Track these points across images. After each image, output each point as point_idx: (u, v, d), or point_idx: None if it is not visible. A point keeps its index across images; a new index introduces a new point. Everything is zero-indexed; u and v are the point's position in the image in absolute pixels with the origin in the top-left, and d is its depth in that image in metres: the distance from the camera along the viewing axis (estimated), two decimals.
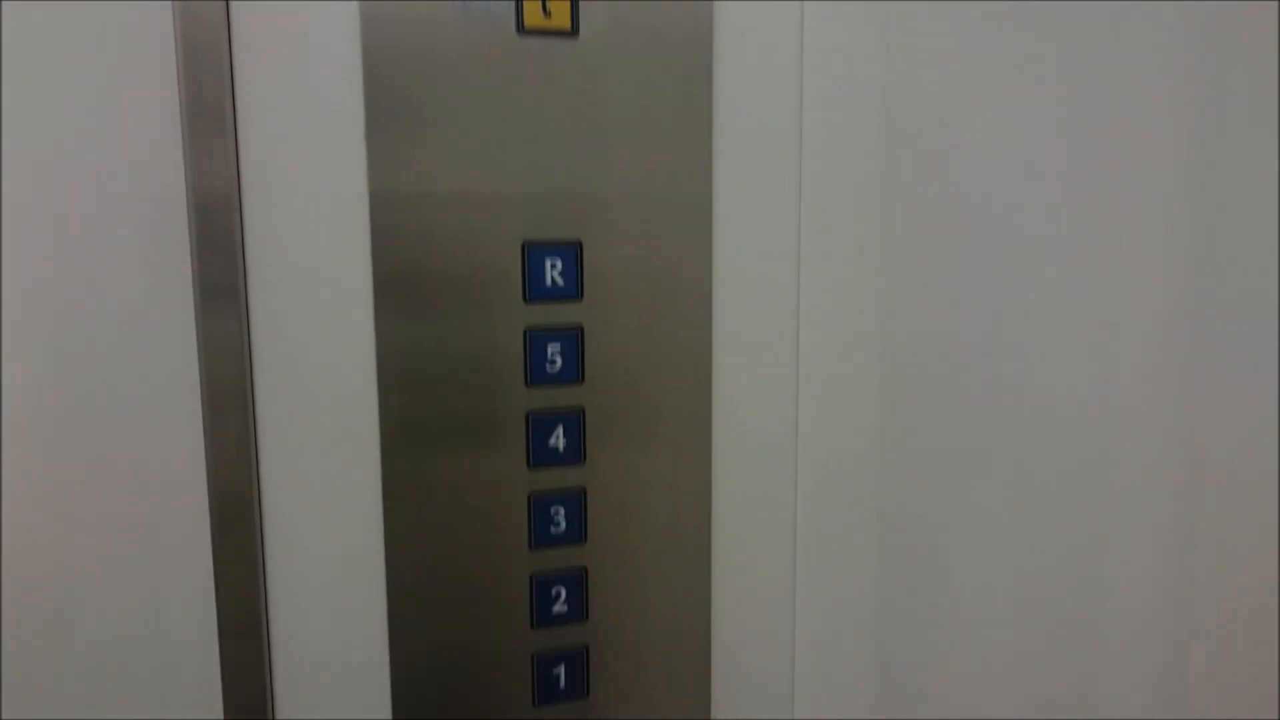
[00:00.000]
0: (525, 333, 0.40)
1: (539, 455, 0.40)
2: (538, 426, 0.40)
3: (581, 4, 0.39)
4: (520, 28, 0.38)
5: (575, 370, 0.40)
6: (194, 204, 0.36)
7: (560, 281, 0.40)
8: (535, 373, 0.40)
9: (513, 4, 0.38)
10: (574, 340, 0.40)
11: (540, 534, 0.41)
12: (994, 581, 0.50)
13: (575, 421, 0.41)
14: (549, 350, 0.40)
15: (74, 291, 0.36)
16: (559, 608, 0.42)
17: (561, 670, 0.42)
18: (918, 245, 0.45)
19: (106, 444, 0.37)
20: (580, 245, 0.40)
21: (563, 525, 0.41)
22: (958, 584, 0.49)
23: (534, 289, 0.39)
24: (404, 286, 0.38)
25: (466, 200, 0.39)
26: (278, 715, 0.40)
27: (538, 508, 0.41)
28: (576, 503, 0.41)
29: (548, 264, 0.39)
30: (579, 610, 0.42)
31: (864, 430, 0.46)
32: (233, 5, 0.36)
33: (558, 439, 0.41)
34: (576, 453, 0.41)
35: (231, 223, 0.36)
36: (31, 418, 0.36)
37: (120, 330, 0.37)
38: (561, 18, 0.38)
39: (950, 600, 0.49)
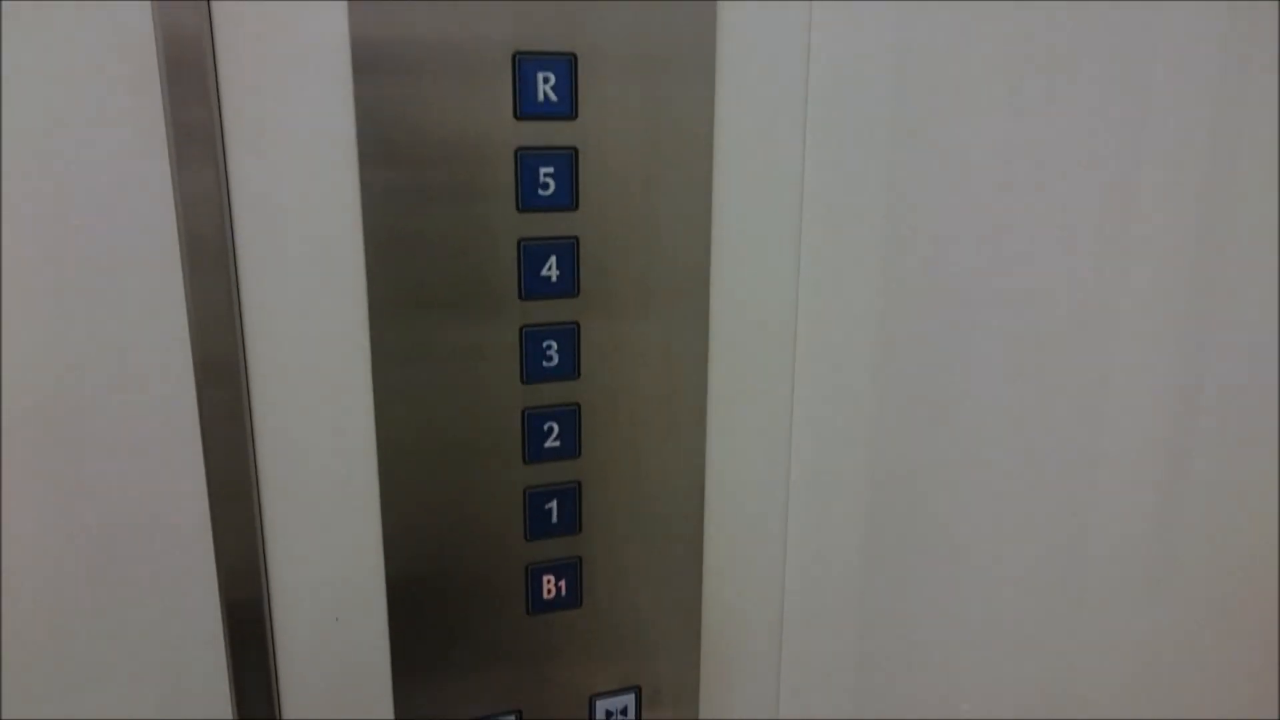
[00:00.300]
0: (516, 153, 0.37)
1: (531, 287, 0.39)
2: (530, 256, 0.38)
3: None
4: None
5: (569, 197, 0.38)
6: (163, 44, 0.33)
7: (553, 97, 0.37)
8: (527, 197, 0.37)
9: None
10: (568, 162, 0.37)
11: (533, 370, 0.39)
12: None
13: (569, 251, 0.39)
14: (540, 173, 0.37)
15: (42, 146, 0.33)
16: (551, 443, 0.41)
17: (554, 505, 0.41)
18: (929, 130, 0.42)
19: (86, 309, 0.35)
20: (575, 57, 0.37)
21: (555, 360, 0.40)
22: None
23: (525, 105, 0.36)
24: (389, 120, 0.35)
25: (454, 15, 0.35)
26: (271, 580, 0.39)
27: (530, 342, 0.39)
28: (569, 337, 0.40)
29: (539, 78, 0.36)
30: (572, 447, 0.41)
31: (868, 280, 0.44)
32: None
33: (550, 270, 0.39)
34: (569, 285, 0.39)
35: (205, 65, 0.33)
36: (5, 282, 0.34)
37: (93, 183, 0.34)
38: None
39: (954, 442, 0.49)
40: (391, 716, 0.41)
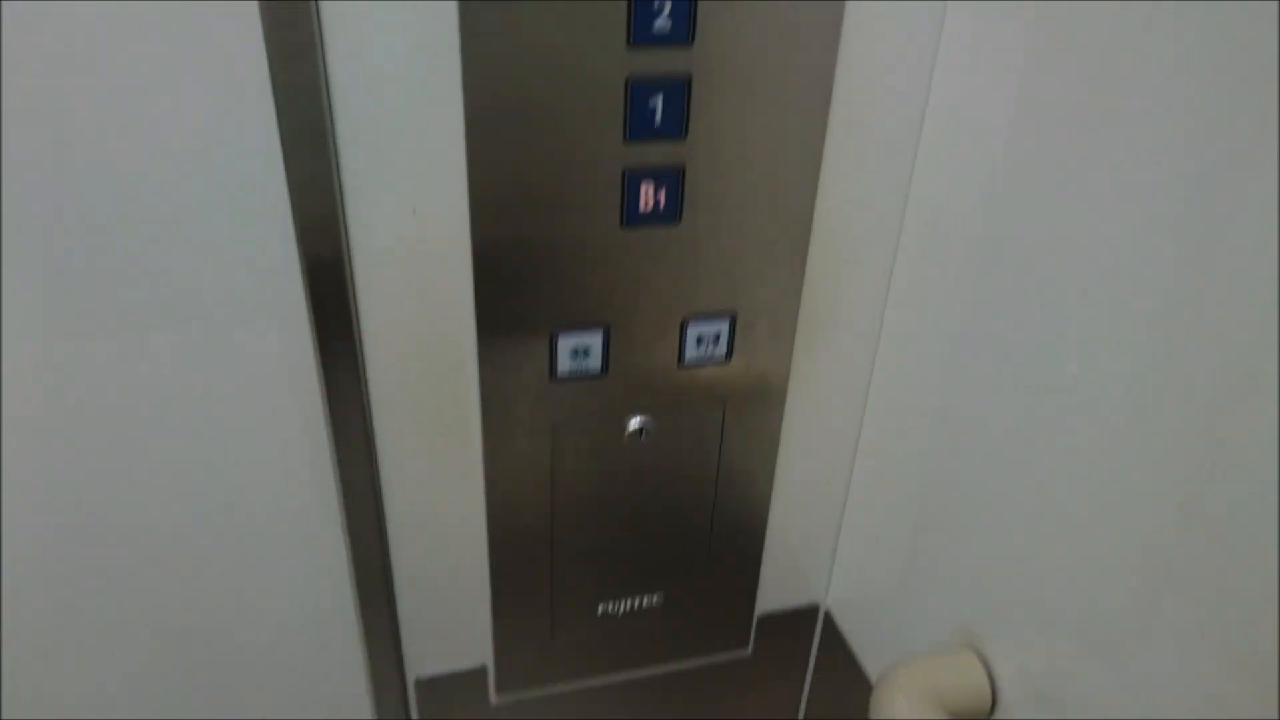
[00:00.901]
0: None
1: None
2: None
3: None
4: None
5: None
6: None
7: None
8: None
9: None
10: None
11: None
12: None
13: None
14: None
15: None
16: (661, 23, 0.35)
17: (659, 101, 0.37)
18: None
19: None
20: None
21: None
22: None
23: None
24: None
25: None
26: (350, 234, 0.36)
27: None
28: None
29: None
30: (684, 30, 0.35)
31: None
32: None
33: None
34: None
35: None
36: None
37: None
38: None
39: None
40: (473, 326, 0.40)
